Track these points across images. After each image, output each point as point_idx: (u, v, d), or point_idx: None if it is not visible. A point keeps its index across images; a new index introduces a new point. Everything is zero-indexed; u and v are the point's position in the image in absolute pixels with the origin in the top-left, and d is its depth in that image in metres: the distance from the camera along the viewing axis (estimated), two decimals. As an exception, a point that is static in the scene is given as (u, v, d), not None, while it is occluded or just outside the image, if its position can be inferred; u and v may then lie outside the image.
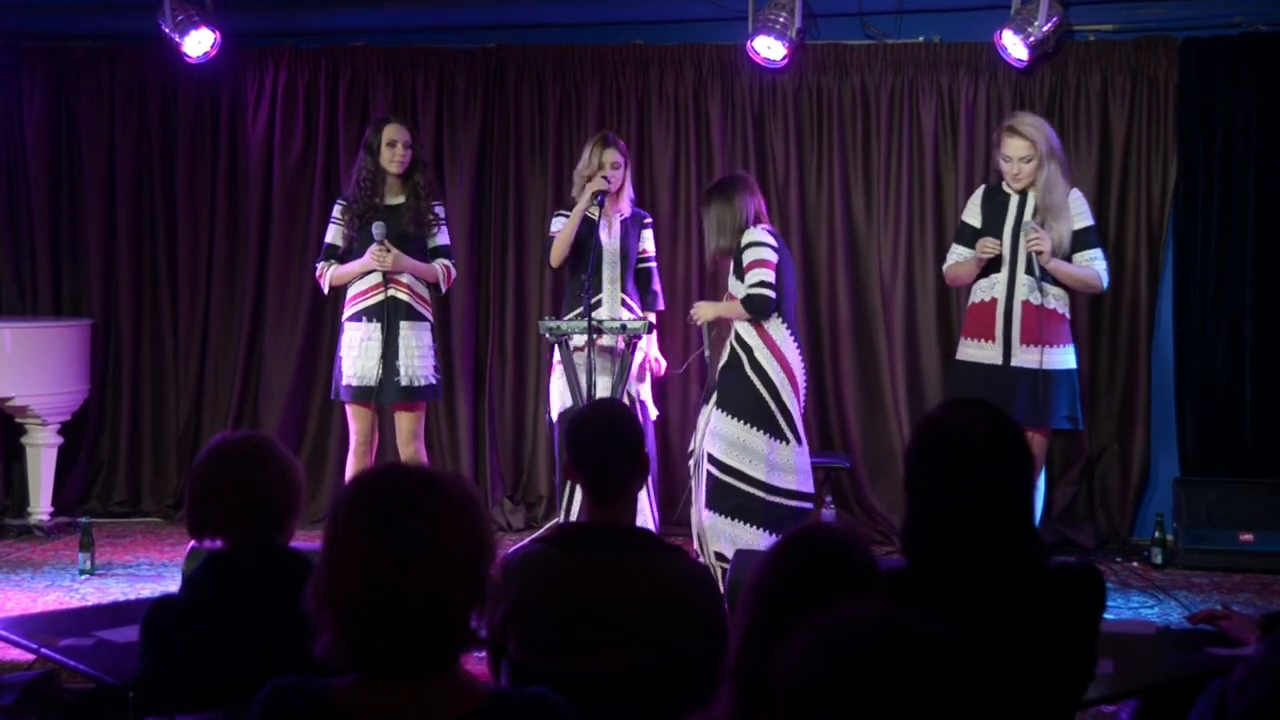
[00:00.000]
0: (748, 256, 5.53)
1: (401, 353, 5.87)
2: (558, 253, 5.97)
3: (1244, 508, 6.48)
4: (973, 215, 5.78)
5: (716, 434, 5.49)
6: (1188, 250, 6.78)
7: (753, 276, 5.49)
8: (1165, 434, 6.88)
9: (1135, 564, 6.48)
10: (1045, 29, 6.50)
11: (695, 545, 5.65)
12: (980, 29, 6.76)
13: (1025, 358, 5.55)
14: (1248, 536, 6.40)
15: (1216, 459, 6.73)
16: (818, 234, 7.04)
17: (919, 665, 1.36)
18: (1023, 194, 5.63)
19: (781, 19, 6.65)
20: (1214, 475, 6.67)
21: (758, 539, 5.36)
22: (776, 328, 5.55)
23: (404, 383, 5.87)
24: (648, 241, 6.14)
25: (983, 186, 5.93)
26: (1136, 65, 6.78)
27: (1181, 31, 6.76)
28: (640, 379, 6.02)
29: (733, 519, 5.45)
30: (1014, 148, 5.57)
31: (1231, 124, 6.71)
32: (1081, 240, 5.63)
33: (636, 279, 6.10)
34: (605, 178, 5.87)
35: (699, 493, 5.56)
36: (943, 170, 6.94)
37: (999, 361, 5.57)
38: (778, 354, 5.54)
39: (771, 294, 5.50)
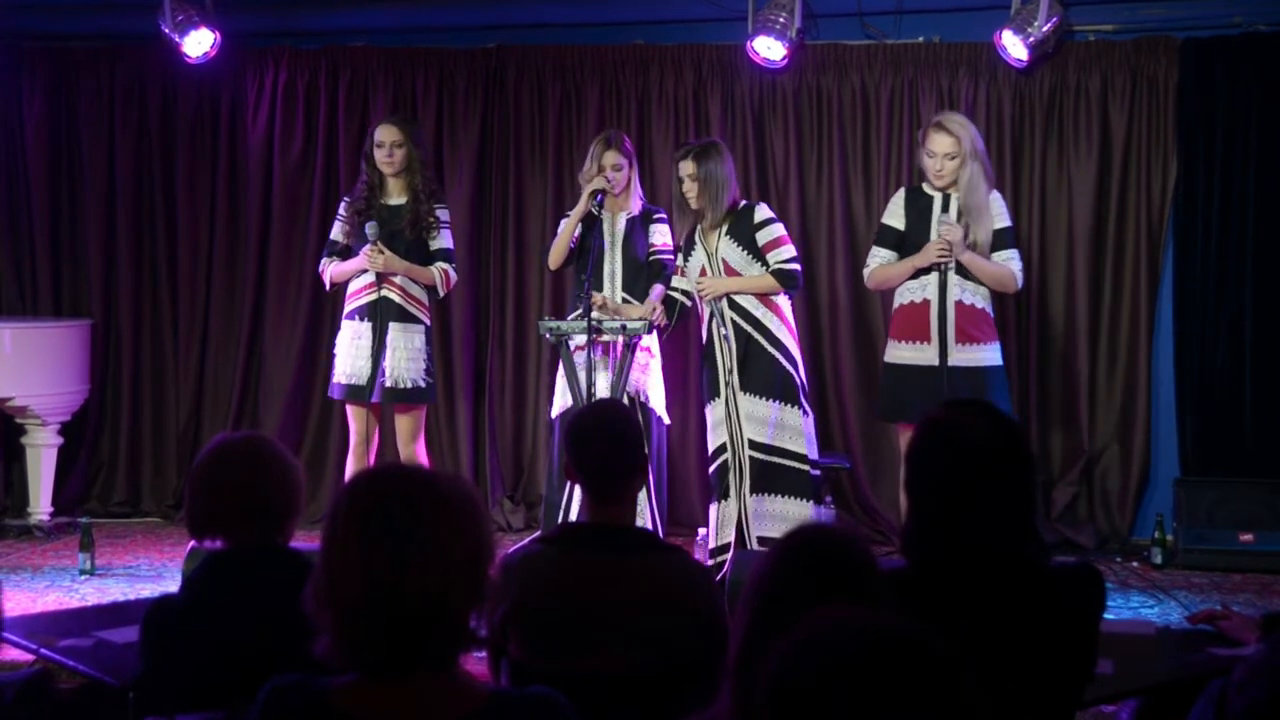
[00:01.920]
0: (767, 234, 5.64)
1: (388, 353, 5.85)
2: (555, 255, 5.96)
3: (1244, 508, 6.48)
4: (895, 217, 5.74)
5: (751, 419, 5.55)
6: (1188, 250, 6.78)
7: (782, 253, 5.63)
8: (1165, 434, 6.88)
9: (1135, 564, 6.48)
10: (1045, 29, 6.50)
11: (712, 539, 5.67)
12: (980, 29, 6.76)
13: (961, 357, 5.54)
14: (1248, 536, 6.40)
15: (1216, 459, 6.73)
16: (818, 234, 7.03)
17: (901, 672, 1.36)
18: (945, 195, 5.63)
19: (781, 19, 6.65)
20: (1214, 475, 6.66)
21: (806, 512, 5.49)
22: (783, 299, 5.68)
23: (388, 383, 5.86)
24: (659, 236, 6.06)
25: (903, 189, 5.89)
26: (1136, 65, 6.78)
27: (1181, 31, 6.76)
28: (646, 379, 5.97)
29: (785, 496, 5.54)
30: (939, 143, 5.56)
31: (1231, 124, 6.70)
32: (999, 240, 5.61)
33: (650, 271, 6.07)
34: (606, 178, 5.86)
35: (743, 484, 5.57)
36: (943, 170, 6.93)
37: (935, 362, 5.53)
38: (788, 325, 5.68)
39: (801, 267, 5.71)
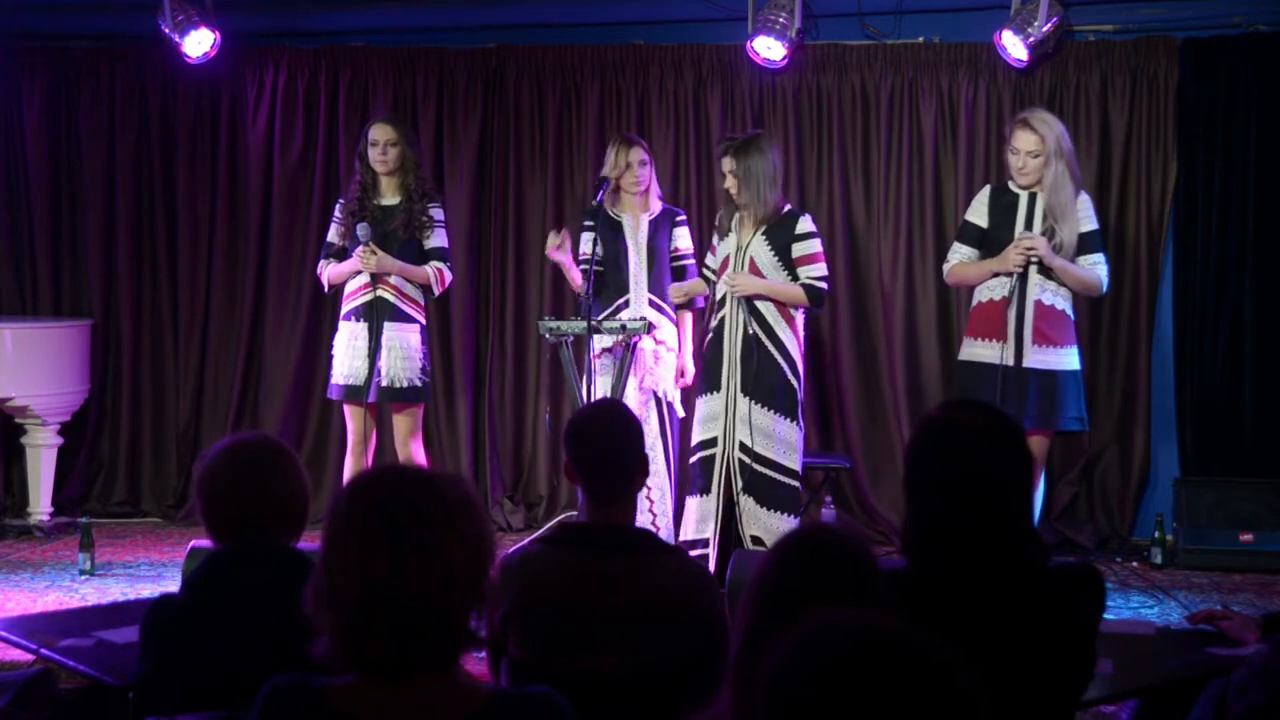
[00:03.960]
0: (805, 247, 5.61)
1: (384, 353, 5.85)
2: (577, 284, 5.98)
3: (1244, 508, 6.48)
4: (979, 215, 5.69)
5: (748, 424, 5.52)
6: (1188, 250, 6.78)
7: (815, 269, 5.61)
8: (1165, 434, 6.88)
9: (1135, 564, 6.48)
10: (1045, 29, 6.50)
11: (685, 532, 5.66)
12: (980, 29, 6.76)
13: (1037, 358, 5.49)
14: (1248, 536, 6.40)
15: (1216, 459, 6.73)
16: (818, 234, 7.03)
17: (899, 674, 1.36)
18: (1031, 194, 5.59)
19: (781, 19, 6.65)
20: (1214, 475, 6.67)
21: (790, 527, 5.43)
22: (799, 314, 5.67)
23: (385, 383, 5.86)
24: (681, 239, 6.10)
25: (988, 186, 5.83)
26: (1136, 65, 6.78)
27: (1181, 31, 6.76)
28: (659, 370, 5.96)
29: (770, 510, 5.51)
30: (1023, 141, 5.52)
31: (1231, 124, 6.70)
32: (1086, 244, 5.56)
33: (674, 277, 6.08)
34: (637, 177, 5.88)
35: (736, 480, 5.55)
36: (943, 170, 6.94)
37: (1010, 362, 5.46)
38: (799, 339, 5.64)
39: (829, 288, 5.72)
